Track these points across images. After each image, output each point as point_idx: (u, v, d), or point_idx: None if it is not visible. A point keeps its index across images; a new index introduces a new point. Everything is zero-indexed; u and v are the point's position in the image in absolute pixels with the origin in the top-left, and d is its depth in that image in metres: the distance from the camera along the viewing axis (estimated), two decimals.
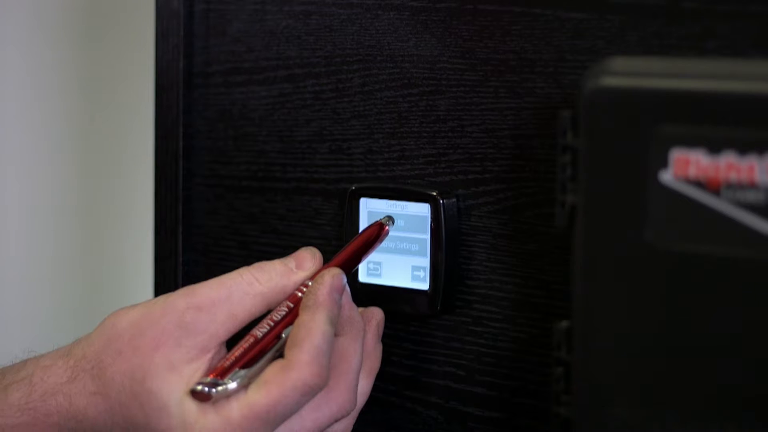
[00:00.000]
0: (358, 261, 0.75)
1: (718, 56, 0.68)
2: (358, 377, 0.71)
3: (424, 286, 0.78)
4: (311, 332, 0.68)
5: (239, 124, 0.86)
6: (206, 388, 0.66)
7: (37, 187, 1.28)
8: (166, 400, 0.66)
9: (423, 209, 0.78)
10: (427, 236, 0.78)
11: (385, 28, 0.80)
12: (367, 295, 0.80)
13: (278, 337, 0.69)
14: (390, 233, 0.79)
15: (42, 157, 1.27)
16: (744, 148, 0.59)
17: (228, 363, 0.67)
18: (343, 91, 0.82)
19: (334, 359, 0.69)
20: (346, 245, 0.76)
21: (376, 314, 0.75)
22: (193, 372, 0.67)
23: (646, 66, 0.63)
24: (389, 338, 0.81)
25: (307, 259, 0.72)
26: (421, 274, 0.78)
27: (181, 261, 0.89)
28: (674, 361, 0.62)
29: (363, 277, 0.80)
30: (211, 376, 0.67)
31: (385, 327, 0.81)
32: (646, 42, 0.71)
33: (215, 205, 0.88)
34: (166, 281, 0.89)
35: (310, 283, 0.71)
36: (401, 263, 0.79)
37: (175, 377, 0.67)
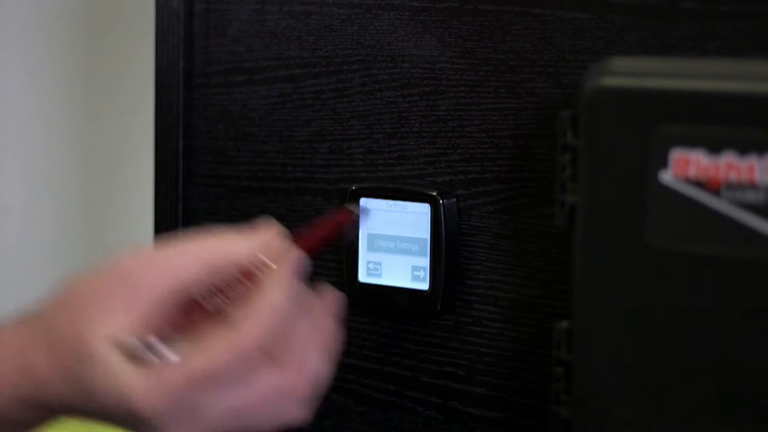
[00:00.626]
0: (321, 245, 0.71)
1: (718, 56, 0.68)
2: (311, 355, 0.66)
3: (424, 286, 0.78)
4: (265, 301, 0.64)
5: (239, 124, 0.86)
6: (138, 347, 0.63)
7: (37, 186, 1.28)
8: (94, 345, 0.63)
9: (423, 209, 0.78)
10: (427, 236, 0.78)
11: (385, 28, 0.80)
12: (367, 295, 0.80)
13: (225, 309, 0.65)
14: (390, 233, 0.79)
15: (42, 156, 1.27)
16: (744, 148, 0.59)
17: (168, 328, 0.64)
18: (343, 91, 0.82)
19: (286, 337, 0.65)
20: (313, 227, 0.72)
21: (330, 294, 0.71)
22: (127, 322, 0.64)
23: (646, 66, 0.63)
24: (389, 338, 0.81)
25: (261, 227, 0.67)
26: (421, 274, 0.78)
27: None
28: (674, 361, 0.62)
29: (363, 277, 0.80)
30: (148, 336, 0.63)
31: (385, 327, 0.81)
32: (646, 42, 0.71)
33: (215, 205, 0.88)
34: None
35: (268, 262, 0.66)
36: (401, 263, 0.79)
37: (106, 324, 0.64)
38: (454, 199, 0.78)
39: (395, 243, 0.79)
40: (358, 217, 0.76)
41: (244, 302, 0.65)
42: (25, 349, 0.67)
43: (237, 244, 0.67)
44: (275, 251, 0.67)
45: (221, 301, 0.66)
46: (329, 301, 0.70)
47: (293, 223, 0.85)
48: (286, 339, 0.65)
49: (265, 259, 0.67)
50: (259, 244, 0.67)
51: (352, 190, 0.81)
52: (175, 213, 0.88)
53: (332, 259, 0.83)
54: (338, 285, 0.81)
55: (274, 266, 0.66)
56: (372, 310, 0.81)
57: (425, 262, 0.78)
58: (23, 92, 1.26)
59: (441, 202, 0.77)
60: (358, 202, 0.80)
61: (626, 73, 0.63)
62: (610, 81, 0.62)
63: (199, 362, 0.63)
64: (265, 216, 0.73)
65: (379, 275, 0.80)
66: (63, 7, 1.24)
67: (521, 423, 0.77)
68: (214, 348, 0.63)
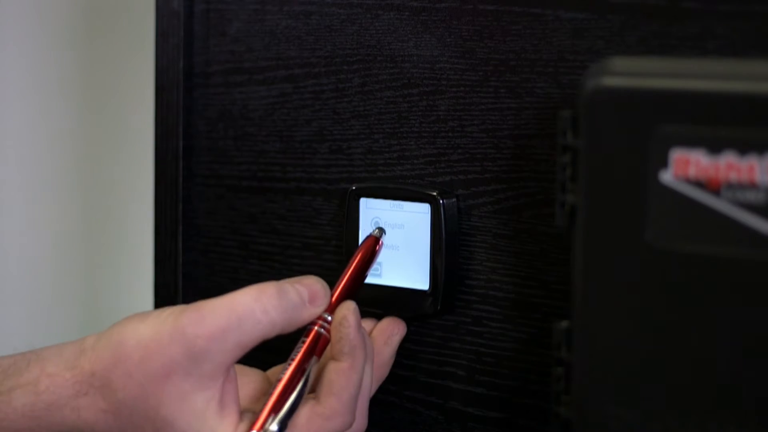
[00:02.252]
0: (362, 281, 0.76)
1: (718, 56, 0.68)
2: (367, 401, 0.73)
3: (424, 286, 0.78)
4: (350, 382, 0.69)
5: (239, 124, 0.86)
6: None
7: (37, 186, 1.28)
8: (184, 429, 0.67)
9: (423, 209, 0.78)
10: (427, 236, 0.78)
11: (385, 28, 0.80)
12: (367, 295, 0.80)
13: (303, 372, 0.70)
14: (390, 233, 0.79)
15: (41, 156, 1.27)
16: (744, 148, 0.59)
17: (263, 416, 0.68)
18: (343, 91, 0.82)
19: (358, 396, 0.71)
20: (346, 268, 0.76)
21: (401, 328, 0.77)
22: (206, 401, 0.67)
23: (646, 66, 0.63)
24: None
25: (321, 296, 0.71)
26: (421, 274, 0.78)
27: (181, 261, 0.89)
28: (674, 361, 0.62)
29: None
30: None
31: None
32: (646, 42, 0.71)
33: (215, 205, 0.88)
34: (166, 281, 0.89)
35: (328, 317, 0.72)
36: (401, 263, 0.79)
37: (188, 407, 0.67)
38: (454, 199, 0.78)
39: (395, 243, 0.79)
40: (382, 243, 0.78)
41: (326, 370, 0.70)
42: (83, 408, 0.68)
43: (299, 311, 0.70)
44: (329, 308, 0.72)
45: (291, 367, 0.70)
46: (396, 331, 0.77)
47: (293, 223, 0.85)
48: (358, 398, 0.70)
49: (325, 315, 0.71)
50: (318, 312, 0.71)
51: (352, 190, 0.81)
52: (175, 213, 0.89)
53: (332, 259, 0.83)
54: None
55: (348, 333, 0.70)
56: (372, 310, 0.81)
57: (425, 262, 0.78)
58: (23, 92, 1.26)
59: (441, 202, 0.77)
60: (357, 202, 0.80)
61: (626, 73, 0.63)
62: (610, 81, 0.62)
63: None
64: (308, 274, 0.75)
65: (379, 275, 0.80)
66: (63, 7, 1.24)
67: (521, 423, 0.77)
68: (310, 429, 0.68)
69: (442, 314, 0.79)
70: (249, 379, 0.73)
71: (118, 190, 1.28)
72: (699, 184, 0.60)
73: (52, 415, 0.68)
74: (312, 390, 0.70)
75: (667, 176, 0.61)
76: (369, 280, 0.80)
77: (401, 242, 0.79)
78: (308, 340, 0.71)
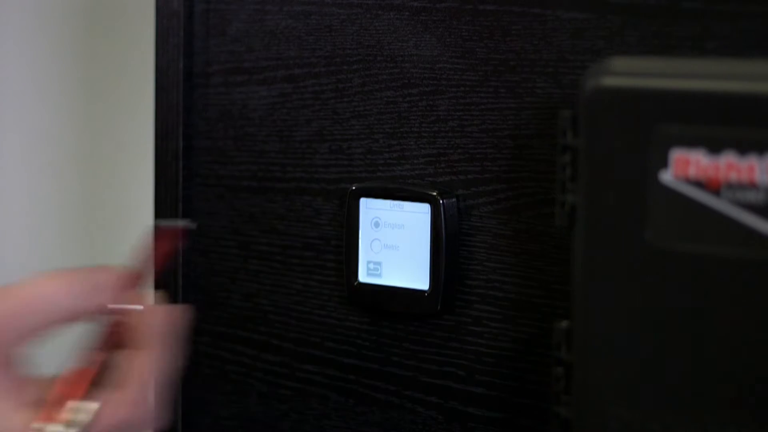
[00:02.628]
0: (159, 271, 0.72)
1: (718, 56, 0.68)
2: (153, 386, 0.69)
3: (424, 286, 0.78)
4: (144, 372, 0.66)
5: (239, 124, 0.86)
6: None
7: (37, 186, 1.28)
8: None
9: (423, 209, 0.78)
10: (427, 236, 0.78)
11: (385, 28, 0.80)
12: (367, 295, 0.80)
13: (99, 366, 0.67)
14: (390, 232, 0.79)
15: (42, 157, 1.27)
16: (744, 148, 0.59)
17: (58, 399, 0.65)
18: (343, 91, 0.82)
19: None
20: (139, 259, 0.72)
21: (167, 311, 0.72)
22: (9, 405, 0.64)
23: (646, 66, 0.63)
24: (389, 338, 0.81)
25: (107, 287, 0.68)
26: (421, 274, 0.78)
27: (181, 261, 0.89)
28: (674, 361, 0.62)
29: (363, 277, 0.80)
30: (43, 419, 0.64)
31: (385, 327, 0.81)
32: (646, 42, 0.71)
33: (215, 205, 0.88)
34: (166, 281, 0.89)
35: (135, 308, 0.68)
36: (401, 263, 0.79)
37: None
38: (454, 199, 0.78)
39: (395, 243, 0.79)
40: (184, 231, 0.74)
41: (124, 372, 0.67)
42: None
43: (90, 299, 0.67)
44: (109, 293, 0.68)
45: (89, 356, 0.67)
46: (168, 318, 0.70)
47: (293, 223, 0.85)
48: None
49: (131, 306, 0.68)
50: (109, 299, 0.68)
51: (352, 190, 0.81)
52: (175, 213, 0.88)
53: (332, 259, 0.83)
54: (338, 285, 0.82)
55: (153, 326, 0.67)
56: (372, 310, 0.81)
57: (425, 262, 0.78)
58: (23, 92, 1.26)
59: (441, 202, 0.77)
60: (357, 202, 0.80)
61: (626, 73, 0.63)
62: (610, 81, 0.62)
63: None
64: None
65: (379, 275, 0.80)
66: (63, 7, 1.24)
67: (521, 423, 0.77)
68: (104, 420, 0.65)
69: (442, 314, 0.79)
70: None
71: (118, 190, 1.28)
72: (699, 184, 0.60)
73: None
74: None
75: (667, 176, 0.61)
76: (369, 280, 0.80)
77: (401, 242, 0.79)
78: (106, 328, 0.68)
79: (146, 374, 0.67)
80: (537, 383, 0.76)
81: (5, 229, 1.28)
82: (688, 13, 0.69)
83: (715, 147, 0.60)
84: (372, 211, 0.80)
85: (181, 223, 0.74)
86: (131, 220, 1.26)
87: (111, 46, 1.25)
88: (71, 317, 0.67)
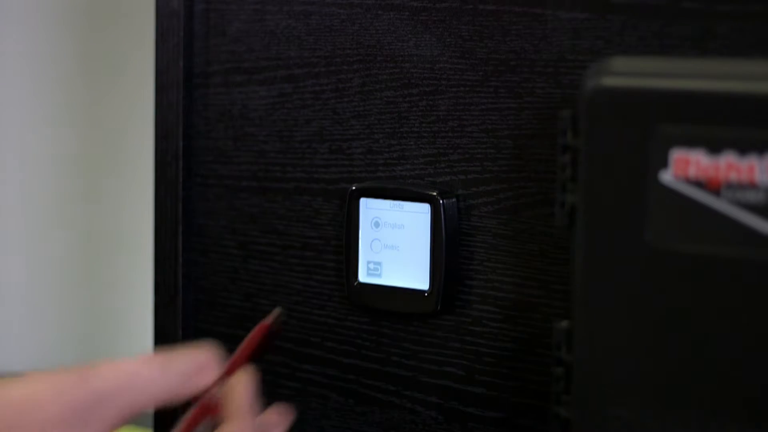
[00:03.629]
0: (248, 362, 0.73)
1: (718, 56, 0.68)
2: None
3: (424, 286, 0.78)
4: None
5: (239, 124, 0.86)
6: None
7: (37, 186, 1.28)
8: None
9: (423, 209, 0.78)
10: (427, 236, 0.78)
11: (385, 28, 0.80)
12: (367, 295, 0.80)
13: None
14: (390, 232, 0.79)
15: (42, 156, 1.27)
16: (744, 148, 0.59)
17: None
18: (343, 91, 0.82)
19: None
20: (238, 349, 0.73)
21: (285, 422, 0.74)
22: None
23: (646, 66, 0.63)
24: (389, 338, 0.81)
25: (211, 367, 0.69)
26: (421, 274, 0.78)
27: (181, 261, 0.89)
28: (674, 361, 0.62)
29: (363, 277, 0.81)
30: None
31: (385, 327, 0.81)
32: (646, 42, 0.71)
33: (215, 205, 0.88)
34: (166, 281, 0.89)
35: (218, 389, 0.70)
36: (401, 263, 0.79)
37: None
38: (454, 199, 0.78)
39: (395, 243, 0.79)
40: (281, 320, 0.75)
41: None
42: None
43: (187, 383, 0.68)
44: (212, 374, 0.69)
45: None
46: (272, 420, 0.72)
47: (293, 223, 0.85)
48: None
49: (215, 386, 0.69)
50: (208, 385, 0.69)
51: (352, 190, 0.81)
52: (175, 213, 0.89)
53: (332, 259, 0.83)
54: (338, 285, 0.82)
55: (238, 401, 0.68)
56: (372, 310, 0.81)
57: (425, 262, 0.78)
58: (23, 92, 1.26)
59: (441, 202, 0.77)
60: (357, 202, 0.80)
61: (626, 73, 0.63)
62: (610, 81, 0.62)
63: None
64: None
65: (379, 275, 0.80)
66: (63, 6, 1.24)
67: (521, 423, 0.77)
68: None
69: (442, 314, 0.79)
70: None
71: (118, 190, 1.28)
72: (699, 184, 0.60)
73: None
74: None
75: (667, 176, 0.61)
76: (369, 280, 0.80)
77: (401, 242, 0.79)
78: (196, 409, 0.69)
79: None
80: (537, 383, 0.76)
81: (4, 229, 1.28)
82: (688, 13, 0.69)
83: (715, 147, 0.60)
84: (372, 211, 0.80)
85: (274, 314, 0.75)
86: (131, 220, 1.26)
87: (111, 46, 1.25)
88: (169, 399, 0.68)
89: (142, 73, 1.10)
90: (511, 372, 0.77)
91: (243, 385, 0.70)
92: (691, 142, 0.60)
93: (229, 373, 0.71)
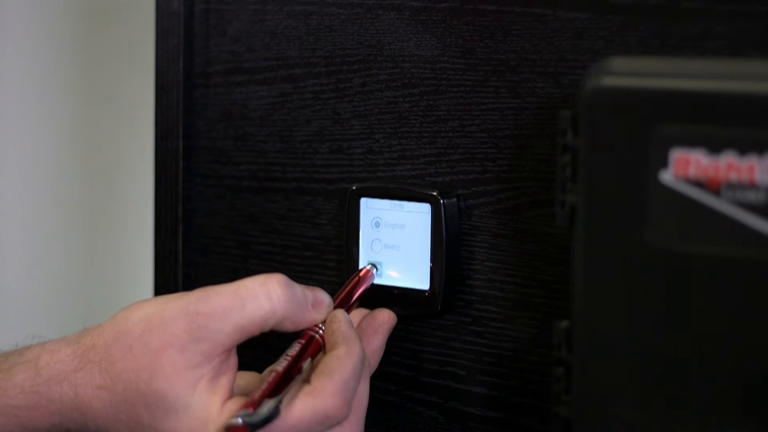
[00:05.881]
0: (350, 300, 0.77)
1: (718, 56, 0.68)
2: (354, 390, 0.71)
3: (424, 286, 0.78)
4: (342, 365, 0.69)
5: (239, 124, 0.86)
6: (240, 420, 0.66)
7: (37, 186, 1.28)
8: (173, 402, 0.67)
9: (423, 209, 0.78)
10: (427, 236, 0.78)
11: (385, 28, 0.80)
12: (366, 295, 0.80)
13: (299, 370, 0.70)
14: (390, 232, 0.79)
15: (42, 157, 1.27)
16: (744, 148, 0.59)
17: (256, 396, 0.68)
18: (343, 91, 0.82)
19: (351, 402, 0.70)
20: (339, 291, 0.77)
21: (391, 317, 0.77)
22: (197, 377, 0.68)
23: (646, 66, 0.63)
24: (389, 338, 0.81)
25: (324, 304, 0.73)
26: (421, 274, 0.78)
27: (181, 261, 0.89)
28: (674, 361, 0.62)
29: None
30: (243, 409, 0.67)
31: None
32: (646, 42, 0.71)
33: (215, 205, 0.88)
34: (166, 281, 0.89)
35: (321, 326, 0.72)
36: (401, 263, 0.79)
37: (180, 381, 0.67)
38: (454, 199, 0.78)
39: (395, 243, 0.79)
40: (373, 275, 0.79)
41: (319, 359, 0.70)
42: (80, 384, 0.68)
43: (301, 309, 0.71)
44: (325, 311, 0.73)
45: (288, 361, 0.70)
46: (387, 320, 0.77)
47: (293, 223, 0.85)
48: (352, 403, 0.70)
49: (320, 325, 0.73)
50: (319, 318, 0.72)
51: (352, 190, 0.81)
52: (175, 213, 0.89)
53: (332, 259, 0.83)
54: (338, 285, 0.82)
55: (342, 327, 0.71)
56: (372, 310, 0.81)
57: (425, 262, 0.78)
58: (23, 92, 1.26)
59: (441, 202, 0.77)
60: (357, 202, 0.80)
61: (626, 73, 0.63)
62: (610, 81, 0.62)
63: (280, 419, 0.67)
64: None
65: (379, 275, 0.80)
66: (63, 7, 1.24)
67: (521, 423, 0.77)
68: (297, 406, 0.67)
69: (442, 314, 0.79)
70: (245, 380, 0.73)
71: (118, 190, 1.28)
72: (699, 184, 0.60)
73: (51, 391, 0.68)
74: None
75: (667, 176, 0.61)
76: None
77: (401, 242, 0.79)
78: (304, 340, 0.72)
79: (336, 368, 0.69)
80: (537, 383, 0.76)
81: (4, 229, 1.28)
82: (688, 13, 0.69)
83: (715, 147, 0.60)
84: (372, 211, 0.80)
85: (368, 266, 0.79)
86: (131, 220, 1.26)
87: (111, 46, 1.25)
88: (282, 323, 0.70)
89: (142, 73, 1.10)
90: (511, 372, 0.77)
91: (346, 320, 0.72)
92: (691, 142, 0.60)
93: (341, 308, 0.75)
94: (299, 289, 0.71)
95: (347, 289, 0.77)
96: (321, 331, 0.72)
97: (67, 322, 1.30)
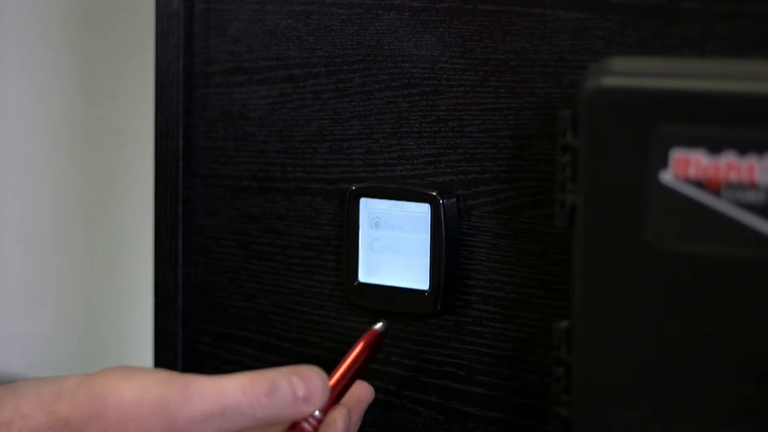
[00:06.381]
0: (359, 376, 0.73)
1: (718, 56, 0.68)
2: None
3: (424, 286, 0.78)
4: None
5: (239, 124, 0.86)
6: None
7: (37, 186, 1.28)
8: None
9: (423, 209, 0.78)
10: (427, 236, 0.78)
11: (385, 28, 0.80)
12: (367, 295, 0.80)
13: None
14: (390, 232, 0.79)
15: (42, 157, 1.27)
16: (744, 148, 0.59)
17: None
18: (343, 91, 0.82)
19: None
20: (344, 359, 0.73)
21: (369, 394, 0.75)
22: None
23: (646, 66, 0.63)
24: (389, 338, 0.81)
25: (318, 394, 0.68)
26: (421, 274, 0.78)
27: (181, 261, 0.89)
28: (674, 361, 0.62)
29: (363, 277, 0.80)
30: None
31: None
32: (646, 42, 0.71)
33: (215, 205, 0.88)
34: (166, 281, 0.89)
35: (317, 414, 0.69)
36: (401, 263, 0.79)
37: None
38: (454, 199, 0.78)
39: (395, 243, 0.79)
40: (385, 332, 0.76)
41: None
42: None
43: (292, 409, 0.67)
44: (318, 402, 0.68)
45: None
46: (356, 396, 0.74)
47: (293, 223, 0.85)
48: None
49: (316, 413, 0.68)
50: (313, 411, 0.68)
51: (352, 190, 0.81)
52: (175, 213, 0.89)
53: (332, 259, 0.83)
54: (338, 285, 0.82)
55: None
56: (372, 310, 0.81)
57: (425, 262, 0.78)
58: (23, 92, 1.26)
59: (441, 202, 0.77)
60: (357, 202, 0.80)
61: (626, 73, 0.63)
62: (610, 81, 0.62)
63: None
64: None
65: (379, 275, 0.80)
66: (63, 7, 1.24)
67: (521, 423, 0.77)
68: None
69: (442, 314, 0.79)
70: None
71: (118, 190, 1.28)
72: (699, 184, 0.60)
73: None
74: None
75: (667, 176, 0.61)
76: (369, 280, 0.80)
77: (401, 242, 0.79)
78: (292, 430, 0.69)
79: None
80: (537, 383, 0.76)
81: (4, 229, 1.28)
82: (688, 13, 0.69)
83: (715, 147, 0.60)
84: (372, 211, 0.80)
85: (378, 327, 0.75)
86: (131, 220, 1.26)
87: (111, 46, 1.25)
88: (271, 424, 0.68)
89: (142, 73, 1.10)
90: (511, 372, 0.77)
91: (341, 422, 0.69)
92: (691, 142, 0.60)
93: (334, 397, 0.70)
94: (287, 388, 0.67)
95: (349, 365, 0.73)
96: (314, 423, 0.69)
97: (67, 322, 1.30)
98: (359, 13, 0.81)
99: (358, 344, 0.74)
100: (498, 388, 0.78)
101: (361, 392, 0.75)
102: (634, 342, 0.63)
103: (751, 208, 0.60)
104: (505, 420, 0.77)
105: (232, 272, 0.88)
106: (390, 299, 0.79)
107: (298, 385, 0.67)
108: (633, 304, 0.63)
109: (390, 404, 0.82)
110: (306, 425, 0.68)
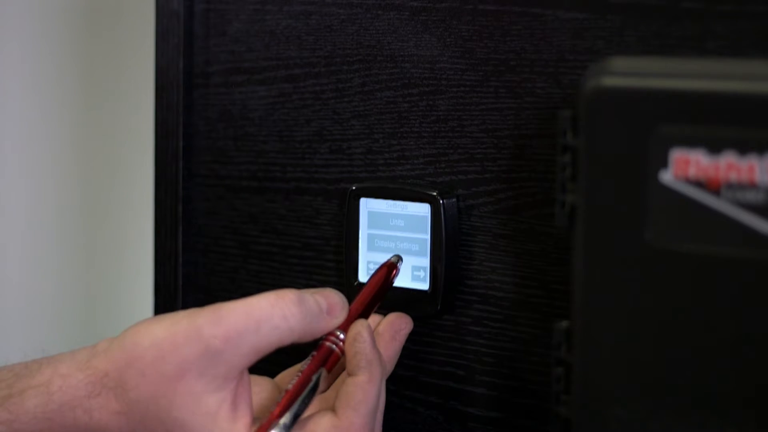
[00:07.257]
0: (376, 304, 0.75)
1: (718, 56, 0.68)
2: (381, 417, 0.72)
3: (424, 286, 0.78)
4: (368, 395, 0.69)
5: (239, 124, 0.86)
6: None
7: (37, 186, 1.28)
8: (196, 430, 0.66)
9: (423, 209, 0.78)
10: (427, 236, 0.78)
11: (385, 28, 0.80)
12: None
13: (311, 380, 0.69)
14: (390, 233, 0.79)
15: (42, 157, 1.27)
16: (744, 148, 0.59)
17: (276, 413, 0.67)
18: (343, 91, 0.82)
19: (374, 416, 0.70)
20: (362, 289, 0.75)
21: (408, 323, 0.77)
22: (218, 403, 0.66)
23: (646, 66, 0.63)
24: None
25: (339, 308, 0.71)
26: (421, 274, 0.78)
27: (181, 261, 0.89)
28: (674, 361, 0.62)
29: (363, 277, 0.81)
30: None
31: None
32: (646, 42, 0.71)
33: (215, 205, 0.88)
34: (166, 281, 0.89)
35: (339, 334, 0.71)
36: (401, 263, 0.79)
37: (200, 408, 0.66)
38: (454, 199, 0.78)
39: (395, 243, 0.79)
40: (399, 263, 0.78)
41: (345, 384, 0.69)
42: (95, 409, 0.68)
43: (318, 321, 0.70)
44: (341, 315, 0.72)
45: (298, 378, 0.69)
46: (404, 326, 0.76)
47: (293, 223, 0.85)
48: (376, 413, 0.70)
49: (337, 332, 0.71)
50: (336, 324, 0.71)
51: (352, 190, 0.81)
52: (175, 213, 0.89)
53: (332, 259, 0.83)
54: (338, 285, 0.82)
55: (365, 348, 0.70)
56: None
57: (425, 262, 0.78)
58: (23, 92, 1.26)
59: (441, 202, 0.77)
60: (357, 202, 0.80)
61: (626, 73, 0.63)
62: (610, 81, 0.62)
63: None
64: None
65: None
66: (63, 7, 1.24)
67: (521, 423, 0.77)
68: None
69: (442, 314, 0.79)
70: (259, 388, 0.72)
71: (118, 190, 1.28)
72: (699, 184, 0.60)
73: (65, 416, 0.67)
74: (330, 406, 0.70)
75: (667, 176, 0.61)
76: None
77: (401, 242, 0.79)
78: (319, 353, 0.71)
79: (362, 400, 0.69)
80: (537, 383, 0.76)
81: (4, 230, 1.28)
82: (688, 13, 0.69)
83: (715, 147, 0.60)
84: (372, 211, 0.80)
85: (394, 259, 0.77)
86: (131, 220, 1.26)
87: (111, 46, 1.25)
88: (300, 339, 0.69)
89: (142, 73, 1.10)
90: (511, 372, 0.77)
91: (370, 340, 0.71)
92: (691, 142, 0.60)
93: (354, 315, 0.73)
94: (312, 300, 0.69)
95: (366, 291, 0.75)
96: (339, 342, 0.71)
97: (67, 321, 1.30)
98: (359, 13, 0.81)
99: (373, 275, 0.76)
100: (498, 388, 0.78)
101: (400, 321, 0.76)
102: (634, 342, 0.63)
103: (751, 208, 0.60)
104: (505, 420, 0.77)
105: (232, 272, 0.88)
106: (390, 299, 0.79)
107: (320, 300, 0.70)
108: (633, 304, 0.63)
109: (390, 404, 0.81)
110: (331, 345, 0.71)
